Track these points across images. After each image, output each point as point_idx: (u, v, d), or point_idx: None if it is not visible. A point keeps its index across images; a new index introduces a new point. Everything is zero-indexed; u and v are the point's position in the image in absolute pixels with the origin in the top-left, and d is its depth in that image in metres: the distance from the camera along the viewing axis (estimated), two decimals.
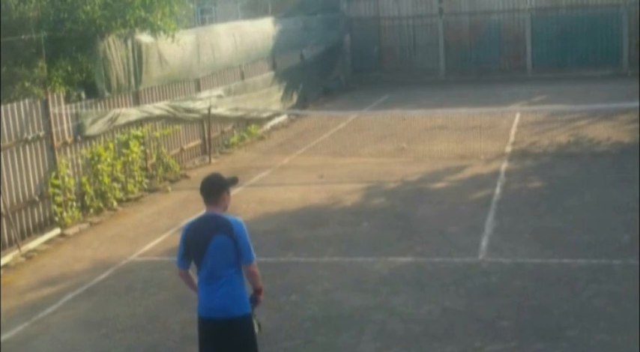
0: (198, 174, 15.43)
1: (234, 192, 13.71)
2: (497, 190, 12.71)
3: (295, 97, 23.07)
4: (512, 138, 16.96)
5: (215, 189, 5.68)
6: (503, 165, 14.50)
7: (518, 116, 19.28)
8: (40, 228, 11.66)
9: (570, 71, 26.41)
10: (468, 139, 16.65)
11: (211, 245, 5.52)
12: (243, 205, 12.68)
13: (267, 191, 13.71)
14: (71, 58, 13.63)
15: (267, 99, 20.72)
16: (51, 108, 12.04)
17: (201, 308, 5.67)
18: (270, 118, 20.49)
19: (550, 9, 27.75)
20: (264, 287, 5.84)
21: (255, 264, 5.66)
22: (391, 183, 13.77)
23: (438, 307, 8.09)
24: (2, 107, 11.00)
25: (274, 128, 20.33)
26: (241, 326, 5.62)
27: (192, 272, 5.84)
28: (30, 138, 11.56)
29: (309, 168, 15.25)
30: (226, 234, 5.52)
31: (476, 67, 27.97)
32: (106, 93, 13.70)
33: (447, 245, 10.11)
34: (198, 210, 12.52)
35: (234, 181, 5.88)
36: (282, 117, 21.20)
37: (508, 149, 15.94)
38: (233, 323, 5.58)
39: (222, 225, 5.55)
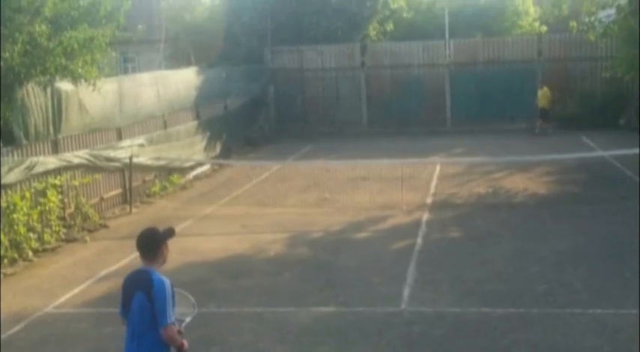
0: (118, 224, 15.18)
1: None
2: (419, 240, 12.87)
3: (219, 147, 23.05)
4: (432, 190, 17.28)
5: (150, 244, 5.63)
6: (425, 216, 14.71)
7: (438, 168, 19.67)
8: None
9: (488, 125, 27.22)
10: (390, 190, 16.86)
11: (133, 301, 5.50)
12: None
13: (189, 241, 13.52)
14: None
15: (190, 148, 20.63)
16: None
17: None
18: (192, 168, 20.36)
19: (468, 64, 28.67)
20: (185, 343, 5.66)
21: (169, 328, 5.49)
22: (314, 233, 13.79)
23: None
24: None
25: (197, 178, 20.20)
26: None
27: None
28: None
29: (231, 218, 15.15)
30: (144, 293, 5.46)
31: (397, 119, 28.53)
32: (24, 141, 13.39)
33: (370, 294, 10.14)
34: (116, 260, 12.34)
35: (170, 233, 5.78)
36: (205, 167, 21.09)
37: (429, 200, 16.21)
38: None
39: (144, 282, 5.48)
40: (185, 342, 5.65)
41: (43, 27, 13.17)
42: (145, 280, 5.49)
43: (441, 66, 28.78)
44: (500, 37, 29.73)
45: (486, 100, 27.92)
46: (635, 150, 15.99)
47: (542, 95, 25.71)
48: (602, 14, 21.94)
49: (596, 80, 27.42)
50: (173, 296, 5.58)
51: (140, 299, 5.46)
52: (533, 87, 27.70)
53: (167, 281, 5.54)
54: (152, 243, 5.63)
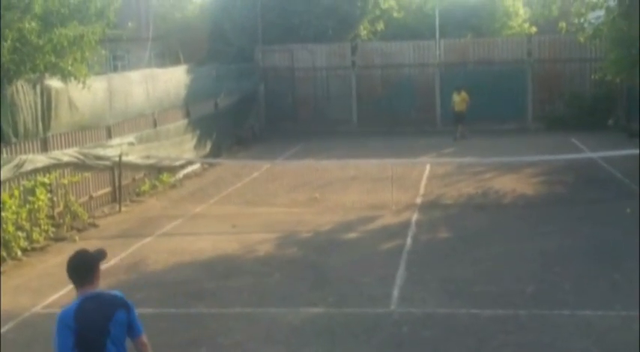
0: (108, 223, 15.14)
1: (145, 240, 13.55)
2: (408, 241, 12.89)
3: (209, 146, 23.01)
4: (422, 190, 17.30)
5: (88, 267, 5.33)
6: (414, 216, 14.73)
7: (428, 168, 19.71)
8: None
9: (477, 125, 27.13)
10: (380, 190, 16.88)
11: (112, 324, 5.19)
12: (154, 255, 12.46)
13: (179, 240, 13.51)
14: None
15: (180, 147, 20.58)
16: None
17: None
18: (182, 167, 20.33)
19: (458, 64, 28.73)
20: None
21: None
22: (304, 232, 13.79)
23: None
24: None
25: (187, 176, 20.17)
26: None
27: None
28: None
29: (221, 218, 15.13)
30: (124, 310, 5.25)
31: (388, 118, 28.55)
32: (13, 139, 13.33)
33: (359, 295, 10.14)
34: (106, 260, 12.24)
35: (102, 254, 5.46)
36: (195, 166, 21.06)
37: (418, 200, 16.24)
38: None
39: (116, 301, 5.28)
40: None
41: (33, 24, 13.12)
42: (115, 299, 5.29)
43: (432, 66, 28.83)
44: (490, 38, 29.82)
45: (476, 101, 27.80)
46: (622, 152, 16.08)
47: (461, 99, 25.60)
48: (591, 16, 22.02)
49: (585, 81, 27.54)
50: None
51: (121, 318, 5.23)
52: (523, 88, 27.81)
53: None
54: (90, 264, 5.34)
